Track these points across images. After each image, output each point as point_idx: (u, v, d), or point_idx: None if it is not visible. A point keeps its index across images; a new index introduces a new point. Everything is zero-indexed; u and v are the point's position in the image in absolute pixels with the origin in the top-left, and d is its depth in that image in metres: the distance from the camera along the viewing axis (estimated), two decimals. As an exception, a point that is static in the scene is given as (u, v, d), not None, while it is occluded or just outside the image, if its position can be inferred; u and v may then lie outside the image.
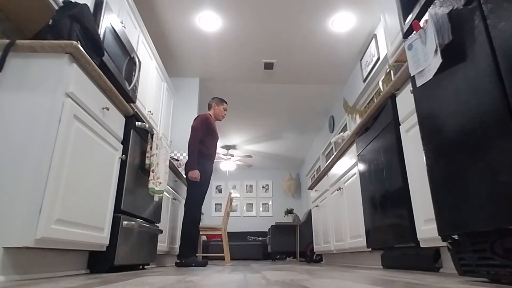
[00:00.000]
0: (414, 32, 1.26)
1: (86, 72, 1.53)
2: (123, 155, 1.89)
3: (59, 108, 1.33)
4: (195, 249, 3.01)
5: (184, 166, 3.16)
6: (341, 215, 2.94)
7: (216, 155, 7.88)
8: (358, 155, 2.47)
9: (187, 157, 3.09)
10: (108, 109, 1.69)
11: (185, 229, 3.00)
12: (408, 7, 1.39)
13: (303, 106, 5.86)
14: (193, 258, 2.92)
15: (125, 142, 1.94)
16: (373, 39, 3.83)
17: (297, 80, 4.98)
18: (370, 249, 2.29)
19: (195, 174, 2.98)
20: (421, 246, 1.58)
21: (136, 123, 2.06)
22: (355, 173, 2.58)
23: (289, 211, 6.49)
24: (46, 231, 1.21)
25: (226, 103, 3.49)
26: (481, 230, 0.95)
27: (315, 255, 4.43)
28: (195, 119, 3.25)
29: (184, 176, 3.21)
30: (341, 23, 3.76)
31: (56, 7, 1.74)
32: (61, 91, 1.35)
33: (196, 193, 3.06)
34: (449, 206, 1.08)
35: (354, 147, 2.60)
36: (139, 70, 2.67)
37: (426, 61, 1.19)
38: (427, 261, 1.62)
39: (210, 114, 3.37)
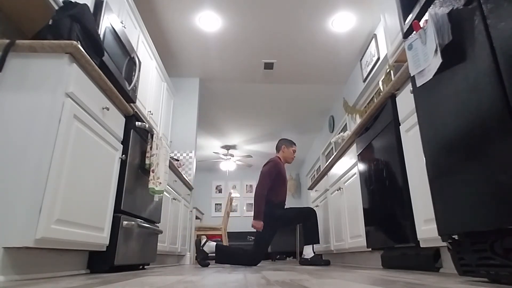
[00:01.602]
0: (414, 32, 1.26)
1: (86, 72, 1.53)
2: (123, 155, 1.89)
3: (59, 108, 1.33)
4: (223, 260, 2.93)
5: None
6: (341, 215, 2.94)
7: (215, 154, 7.92)
8: (358, 155, 2.47)
9: (254, 205, 2.96)
10: (108, 109, 1.69)
11: (243, 254, 2.91)
12: (408, 7, 1.39)
13: (303, 106, 5.86)
14: (206, 261, 2.85)
15: (125, 142, 1.94)
16: (373, 39, 3.83)
17: (297, 80, 4.98)
18: (370, 249, 2.29)
19: (259, 225, 2.89)
20: (421, 246, 1.58)
21: (136, 123, 2.06)
22: (355, 173, 2.58)
23: (289, 211, 6.48)
24: (46, 231, 1.21)
25: (295, 145, 3.36)
26: (481, 230, 0.95)
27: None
28: (266, 164, 3.10)
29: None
30: (341, 23, 3.76)
31: (56, 7, 1.74)
32: (61, 91, 1.35)
33: (264, 238, 2.95)
34: (449, 206, 1.08)
35: (354, 147, 2.60)
36: (139, 70, 2.67)
37: (426, 61, 1.19)
38: (427, 261, 1.62)
39: (279, 157, 3.25)
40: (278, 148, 3.33)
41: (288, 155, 3.28)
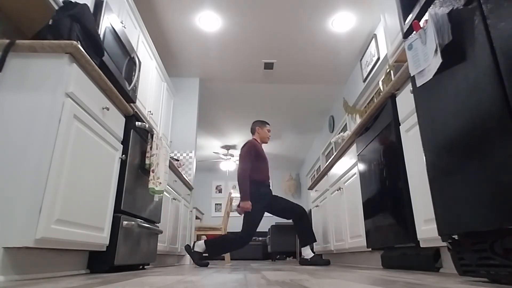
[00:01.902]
0: (414, 32, 1.26)
1: (86, 72, 1.53)
2: (123, 155, 1.89)
3: (59, 108, 1.33)
4: (216, 255, 2.94)
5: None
6: (341, 215, 2.94)
7: (215, 154, 7.91)
8: (358, 155, 2.47)
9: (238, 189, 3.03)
10: (108, 109, 1.69)
11: (232, 239, 2.93)
12: (408, 7, 1.39)
13: (303, 106, 5.86)
14: (205, 261, 2.86)
15: (125, 142, 1.94)
16: (373, 39, 3.83)
17: (297, 80, 4.98)
18: (370, 249, 2.29)
19: (247, 205, 2.93)
20: (421, 246, 1.58)
21: (136, 123, 2.06)
22: (355, 173, 2.58)
23: (289, 211, 6.48)
24: (46, 231, 1.21)
25: (268, 124, 3.43)
26: (481, 230, 0.95)
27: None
28: (242, 147, 3.18)
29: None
30: (341, 23, 3.76)
31: (56, 7, 1.74)
32: (61, 91, 1.35)
33: (252, 219, 2.98)
34: (449, 206, 1.08)
35: (354, 147, 2.60)
36: (139, 70, 2.67)
37: (426, 61, 1.19)
38: (427, 261, 1.62)
39: (255, 139, 3.32)
40: (253, 131, 3.40)
41: (263, 135, 3.36)
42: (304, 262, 2.94)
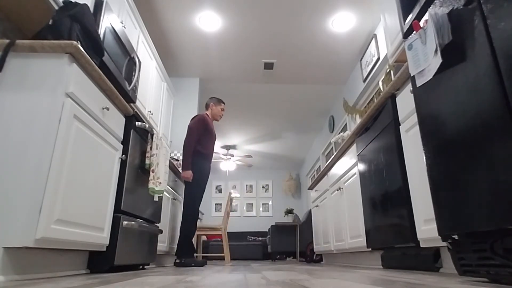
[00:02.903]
0: (414, 32, 1.26)
1: (86, 72, 1.53)
2: (123, 155, 1.89)
3: (59, 108, 1.33)
4: (193, 248, 3.01)
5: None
6: (341, 215, 2.94)
7: (215, 154, 7.91)
8: (358, 155, 2.47)
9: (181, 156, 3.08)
10: (108, 109, 1.69)
11: (183, 228, 3.01)
12: (408, 7, 1.39)
13: (303, 106, 5.86)
14: (192, 258, 2.93)
15: (125, 142, 1.94)
16: (373, 39, 3.83)
17: (297, 80, 4.98)
18: (370, 249, 2.29)
19: (188, 174, 3.00)
20: (421, 246, 1.58)
21: (136, 123, 2.06)
22: (355, 173, 2.58)
23: (289, 211, 6.49)
24: (46, 231, 1.21)
25: (223, 103, 3.49)
26: (481, 230, 0.95)
27: (315, 255, 4.43)
28: (192, 119, 3.25)
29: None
30: (341, 23, 3.76)
31: (56, 7, 1.74)
32: (61, 91, 1.35)
33: (193, 193, 3.07)
34: (449, 206, 1.08)
35: (354, 147, 2.60)
36: (139, 70, 2.67)
37: (426, 61, 1.19)
38: (427, 261, 1.62)
39: (207, 114, 3.37)
40: (206, 106, 3.45)
41: (216, 112, 3.41)
42: (179, 264, 2.95)
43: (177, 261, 2.93)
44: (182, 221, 3.03)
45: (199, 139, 3.16)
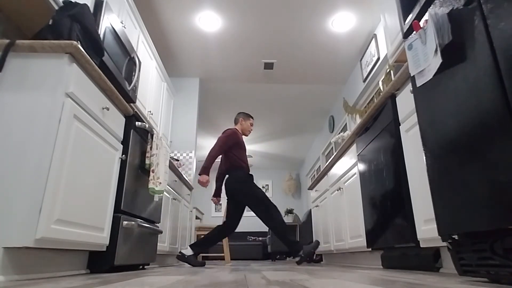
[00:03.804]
0: (414, 32, 1.26)
1: (86, 72, 1.53)
2: (123, 155, 1.89)
3: (59, 108, 1.33)
4: (205, 244, 3.00)
5: (233, 179, 3.10)
6: (341, 215, 2.94)
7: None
8: (358, 155, 2.47)
9: (204, 163, 3.07)
10: (108, 109, 1.69)
11: (279, 231, 2.91)
12: (408, 7, 1.39)
13: (303, 106, 5.86)
14: (193, 257, 2.90)
15: (125, 142, 1.94)
16: (373, 39, 3.83)
17: (297, 80, 4.98)
18: (370, 249, 2.28)
19: (204, 178, 2.98)
20: (421, 246, 1.58)
21: (136, 123, 2.06)
22: (355, 173, 2.58)
23: (289, 211, 6.49)
24: (46, 231, 1.21)
25: (252, 118, 3.49)
26: (481, 230, 0.95)
27: (315, 255, 4.42)
28: (224, 132, 3.25)
29: (238, 190, 3.12)
30: (341, 23, 3.76)
31: (56, 7, 1.74)
32: (61, 91, 1.35)
33: (259, 198, 3.00)
34: (449, 206, 1.08)
35: (354, 147, 2.60)
36: (139, 70, 2.67)
37: (426, 61, 1.19)
38: (427, 261, 1.62)
39: (237, 129, 3.37)
40: (236, 121, 3.46)
41: (245, 127, 3.42)
42: (180, 257, 2.93)
43: (300, 256, 2.88)
44: (274, 227, 2.93)
45: (236, 154, 3.15)
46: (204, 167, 3.02)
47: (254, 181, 3.17)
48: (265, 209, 2.98)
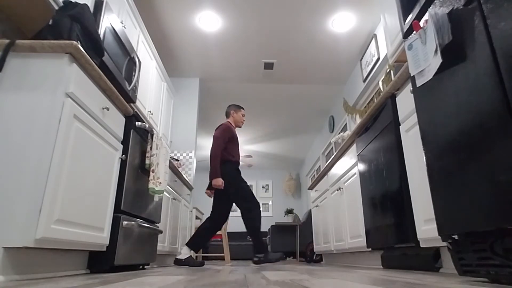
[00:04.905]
0: (414, 32, 1.26)
1: (86, 72, 1.53)
2: (123, 155, 1.89)
3: (59, 108, 1.33)
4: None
5: (209, 174, 3.12)
6: (341, 215, 2.94)
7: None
8: (358, 155, 2.47)
9: (210, 165, 3.08)
10: (108, 109, 1.69)
11: (252, 226, 2.96)
12: (408, 7, 1.39)
13: (303, 106, 5.86)
14: (191, 258, 2.89)
15: (125, 142, 1.94)
16: (373, 39, 3.83)
17: (297, 80, 4.98)
18: (370, 249, 2.29)
19: (219, 182, 2.96)
20: (421, 246, 1.58)
21: (136, 123, 2.06)
22: (355, 173, 2.58)
23: (289, 211, 6.49)
24: (46, 231, 1.21)
25: (243, 108, 3.48)
26: (481, 230, 0.95)
27: (315, 255, 4.42)
28: (217, 128, 3.23)
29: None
30: (341, 23, 3.76)
31: (56, 7, 1.74)
32: (61, 91, 1.35)
33: (242, 193, 3.04)
34: (449, 206, 1.08)
35: (354, 147, 2.60)
36: (139, 70, 2.67)
37: (426, 61, 1.19)
38: (427, 261, 1.62)
39: (230, 122, 3.36)
40: (227, 114, 3.45)
41: (238, 119, 3.41)
42: (178, 262, 2.92)
43: (257, 257, 2.91)
44: (248, 220, 2.97)
45: (226, 147, 3.14)
46: (214, 170, 2.98)
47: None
48: (246, 203, 3.02)
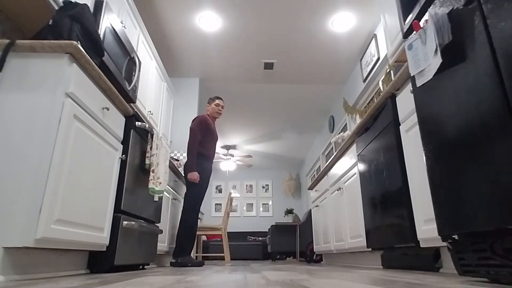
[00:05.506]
0: (414, 32, 1.26)
1: (86, 72, 1.53)
2: (123, 155, 1.89)
3: (59, 108, 1.33)
4: (190, 248, 3.01)
5: (183, 167, 3.18)
6: (341, 215, 2.94)
7: (216, 155, 7.91)
8: (358, 155, 2.47)
9: (186, 158, 3.09)
10: (108, 109, 1.69)
11: (182, 227, 3.01)
12: (408, 7, 1.39)
13: (303, 106, 5.86)
14: (189, 258, 2.92)
15: (125, 142, 1.94)
16: (373, 39, 3.83)
17: (297, 80, 4.98)
18: (370, 249, 2.28)
19: (194, 176, 3.01)
20: (421, 246, 1.58)
21: (136, 123, 2.06)
22: (355, 173, 2.58)
23: (289, 211, 6.49)
24: (46, 231, 1.21)
25: (219, 98, 3.46)
26: (481, 230, 0.95)
27: (315, 255, 4.43)
28: (193, 120, 3.26)
29: (184, 176, 3.22)
30: (341, 23, 3.76)
31: (56, 7, 1.74)
32: (61, 91, 1.35)
33: (195, 193, 3.09)
34: (449, 206, 1.08)
35: (354, 147, 2.60)
36: (139, 70, 2.67)
37: (426, 61, 1.19)
38: (427, 261, 1.62)
39: (207, 115, 3.39)
40: (206, 108, 3.49)
41: (212, 110, 3.40)
42: (174, 264, 2.94)
43: (173, 260, 2.93)
44: (181, 220, 3.04)
45: (201, 140, 3.17)
46: (191, 164, 3.03)
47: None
48: (192, 202, 3.05)
